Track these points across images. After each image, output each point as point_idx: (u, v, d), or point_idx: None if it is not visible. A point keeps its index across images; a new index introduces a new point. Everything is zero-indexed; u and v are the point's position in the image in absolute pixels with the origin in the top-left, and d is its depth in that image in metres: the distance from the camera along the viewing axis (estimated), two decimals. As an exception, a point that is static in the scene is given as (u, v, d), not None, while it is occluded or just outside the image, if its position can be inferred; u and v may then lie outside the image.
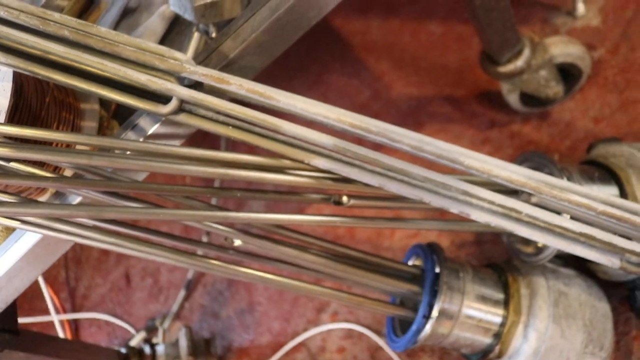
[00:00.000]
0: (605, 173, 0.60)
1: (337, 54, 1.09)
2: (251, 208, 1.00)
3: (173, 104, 0.46)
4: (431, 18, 1.03)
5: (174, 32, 0.68)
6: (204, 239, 0.99)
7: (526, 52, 0.71)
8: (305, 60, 1.10)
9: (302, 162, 0.45)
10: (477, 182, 0.46)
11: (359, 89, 1.05)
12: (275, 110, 0.45)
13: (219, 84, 0.45)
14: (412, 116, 0.95)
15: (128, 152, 0.49)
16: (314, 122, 0.45)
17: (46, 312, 1.15)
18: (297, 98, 0.44)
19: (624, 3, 0.85)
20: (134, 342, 1.01)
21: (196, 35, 0.59)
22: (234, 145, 1.05)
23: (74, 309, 1.20)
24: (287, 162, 0.46)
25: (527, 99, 0.79)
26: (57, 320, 1.14)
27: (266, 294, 0.94)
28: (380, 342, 0.79)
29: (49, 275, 1.24)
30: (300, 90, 1.10)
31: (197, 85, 0.47)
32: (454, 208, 0.45)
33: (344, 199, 0.48)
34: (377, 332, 0.80)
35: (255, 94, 0.44)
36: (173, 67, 0.46)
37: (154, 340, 1.02)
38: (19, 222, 0.50)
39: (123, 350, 0.84)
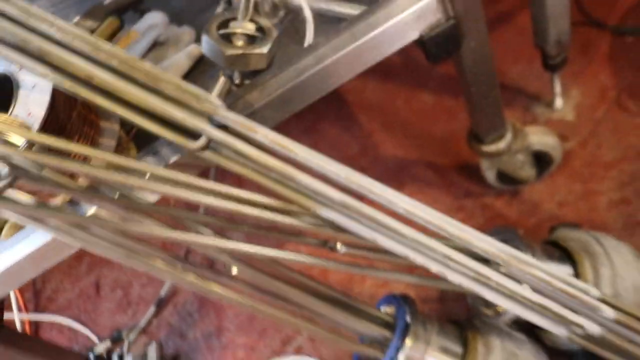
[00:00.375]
0: (563, 254, 0.68)
1: (332, 107, 1.17)
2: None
3: (202, 142, 0.52)
4: (424, 88, 1.12)
5: (198, 70, 0.74)
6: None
7: (508, 137, 0.79)
8: (303, 108, 1.18)
9: (308, 209, 0.52)
10: (456, 247, 0.53)
11: (349, 143, 1.12)
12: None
13: (246, 131, 0.51)
14: (395, 175, 1.03)
15: (147, 176, 0.55)
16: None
17: (7, 308, 1.16)
18: (313, 154, 0.50)
19: (596, 104, 0.96)
20: (97, 351, 1.03)
21: (222, 79, 0.65)
22: (222, 176, 1.11)
23: (37, 310, 1.21)
24: (294, 207, 0.52)
25: (503, 177, 0.87)
26: (18, 319, 1.15)
27: (236, 321, 0.98)
28: (341, 380, 0.84)
29: (18, 274, 1.24)
30: (294, 134, 1.17)
31: (223, 127, 0.53)
32: (434, 268, 0.52)
33: (339, 246, 0.54)
34: (338, 371, 0.85)
35: (277, 145, 0.50)
36: (207, 109, 0.52)
37: (117, 352, 1.04)
38: (40, 223, 0.55)
39: (91, 357, 0.87)
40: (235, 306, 0.58)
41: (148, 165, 0.52)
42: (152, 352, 0.89)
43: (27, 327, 1.17)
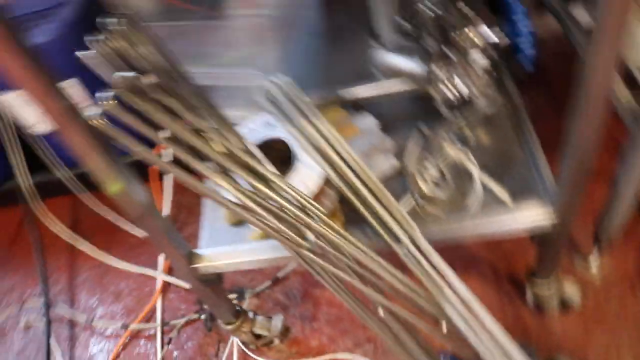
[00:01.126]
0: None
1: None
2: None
3: (403, 249, 0.95)
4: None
5: (391, 176, 1.16)
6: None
7: (553, 283, 1.22)
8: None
9: (437, 301, 0.95)
10: (504, 352, 0.97)
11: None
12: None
13: (426, 252, 0.94)
14: (464, 264, 1.43)
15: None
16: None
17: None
18: (457, 279, 0.94)
19: (616, 280, 1.34)
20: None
21: (410, 199, 1.09)
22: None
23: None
24: (429, 295, 0.96)
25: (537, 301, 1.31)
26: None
27: (327, 315, 1.43)
28: (386, 382, 1.29)
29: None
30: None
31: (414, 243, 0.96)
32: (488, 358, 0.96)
33: (443, 324, 0.98)
34: (386, 377, 1.30)
35: (440, 266, 0.94)
36: (412, 233, 0.95)
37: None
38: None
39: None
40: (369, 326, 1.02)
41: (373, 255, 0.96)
42: (277, 321, 1.33)
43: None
